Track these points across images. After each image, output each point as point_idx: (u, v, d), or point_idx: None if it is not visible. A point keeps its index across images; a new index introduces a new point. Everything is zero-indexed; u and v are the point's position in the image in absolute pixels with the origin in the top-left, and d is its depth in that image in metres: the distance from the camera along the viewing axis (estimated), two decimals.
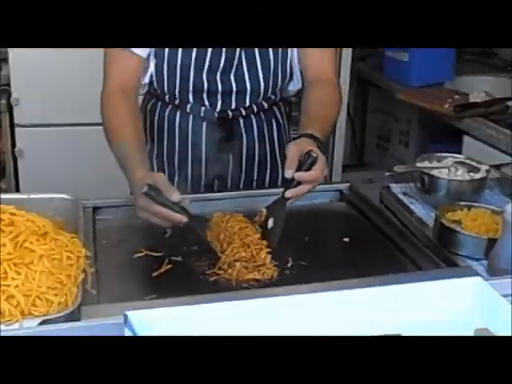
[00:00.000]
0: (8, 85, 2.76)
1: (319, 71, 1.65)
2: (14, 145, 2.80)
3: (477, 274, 1.20)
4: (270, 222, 1.35)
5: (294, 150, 1.35)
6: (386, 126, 3.57)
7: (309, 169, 1.31)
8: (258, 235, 1.36)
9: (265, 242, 1.34)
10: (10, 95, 2.75)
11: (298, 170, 1.31)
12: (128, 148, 1.43)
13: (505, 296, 1.03)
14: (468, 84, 2.91)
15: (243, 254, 1.30)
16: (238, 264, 1.29)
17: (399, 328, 0.96)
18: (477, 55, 3.44)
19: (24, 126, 2.77)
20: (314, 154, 1.31)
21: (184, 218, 1.27)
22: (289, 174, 1.31)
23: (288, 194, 1.32)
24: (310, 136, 1.42)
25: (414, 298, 1.04)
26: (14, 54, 2.67)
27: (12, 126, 2.78)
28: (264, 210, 1.37)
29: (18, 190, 2.81)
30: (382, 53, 3.17)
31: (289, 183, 1.33)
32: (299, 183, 1.32)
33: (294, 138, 1.50)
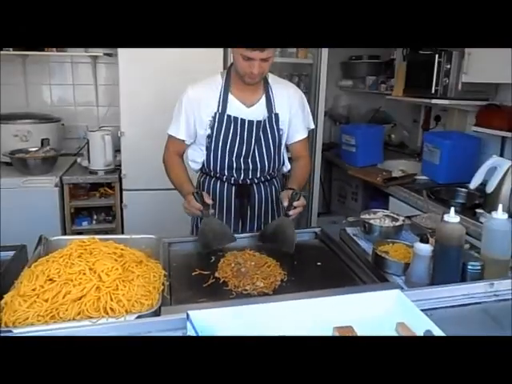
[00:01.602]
0: (120, 165, 2.81)
1: (299, 152, 1.77)
2: (121, 201, 2.82)
3: (399, 286, 1.20)
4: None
5: (284, 193, 1.55)
6: (343, 188, 3.56)
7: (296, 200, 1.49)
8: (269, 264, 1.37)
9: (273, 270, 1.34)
10: (120, 172, 2.80)
11: (290, 201, 1.48)
12: (185, 181, 1.63)
13: (414, 301, 1.03)
14: (391, 165, 2.90)
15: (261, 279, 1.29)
16: (255, 279, 1.27)
17: (350, 321, 0.95)
18: (396, 147, 3.45)
19: (128, 190, 2.79)
20: (297, 192, 1.51)
21: (200, 207, 1.47)
22: (285, 202, 1.50)
23: (291, 213, 1.48)
24: (291, 188, 1.57)
25: (359, 302, 1.03)
26: (124, 146, 2.71)
27: (121, 189, 2.82)
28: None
29: (122, 229, 2.82)
30: (340, 146, 3.19)
31: (286, 209, 1.48)
32: (294, 208, 1.48)
33: None
